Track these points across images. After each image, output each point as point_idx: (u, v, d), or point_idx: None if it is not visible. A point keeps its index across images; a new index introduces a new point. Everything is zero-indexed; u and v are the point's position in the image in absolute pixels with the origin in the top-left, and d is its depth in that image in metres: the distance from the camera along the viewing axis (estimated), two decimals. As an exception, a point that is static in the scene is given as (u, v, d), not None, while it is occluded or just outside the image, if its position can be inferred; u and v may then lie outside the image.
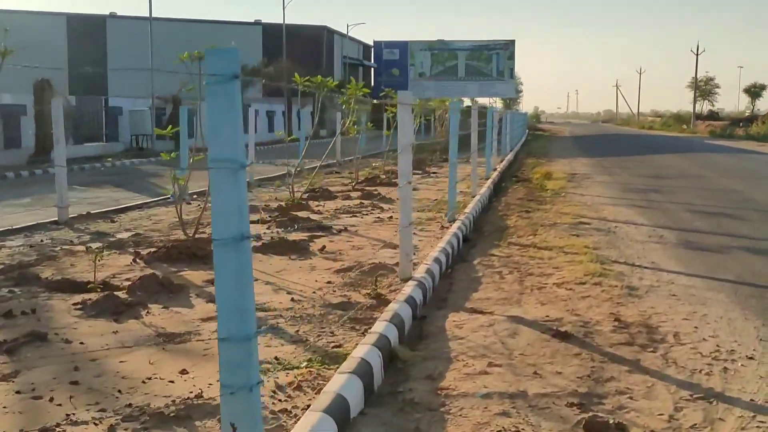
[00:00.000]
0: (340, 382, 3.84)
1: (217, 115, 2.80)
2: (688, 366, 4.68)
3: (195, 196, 13.79)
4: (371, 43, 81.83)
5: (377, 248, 8.40)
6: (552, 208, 12.71)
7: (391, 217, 11.05)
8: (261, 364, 4.40)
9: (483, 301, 6.24)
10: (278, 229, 9.41)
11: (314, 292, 6.29)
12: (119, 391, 3.98)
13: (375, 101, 9.26)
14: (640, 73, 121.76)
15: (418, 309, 5.86)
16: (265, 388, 3.97)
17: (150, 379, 4.18)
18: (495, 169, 19.65)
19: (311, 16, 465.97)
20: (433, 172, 20.40)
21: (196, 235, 8.53)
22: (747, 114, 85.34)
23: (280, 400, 3.88)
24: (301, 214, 10.93)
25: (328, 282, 6.69)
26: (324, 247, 8.27)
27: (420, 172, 20.55)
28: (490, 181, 16.33)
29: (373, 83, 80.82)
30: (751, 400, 4.14)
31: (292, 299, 6.03)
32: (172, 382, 4.16)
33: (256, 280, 6.68)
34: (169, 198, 13.01)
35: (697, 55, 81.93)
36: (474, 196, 13.16)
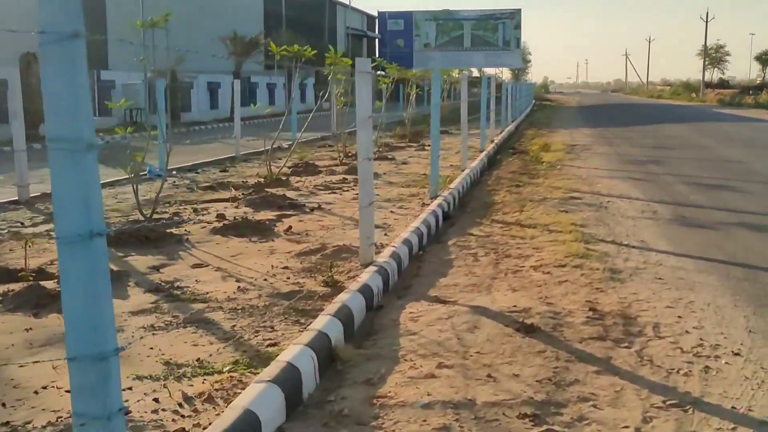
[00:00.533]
0: (253, 393, 3.32)
1: (53, 82, 2.27)
2: (665, 365, 4.15)
3: (174, 172, 13.27)
4: (376, 14, 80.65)
5: (348, 228, 7.87)
6: (545, 182, 12.14)
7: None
8: (180, 367, 3.91)
9: (449, 288, 5.71)
10: (247, 208, 8.89)
11: (265, 279, 5.77)
12: (2, 405, 3.47)
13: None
14: (650, 42, 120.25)
15: (377, 298, 5.34)
16: (170, 401, 3.47)
17: (45, 389, 3.67)
18: (492, 141, 19.06)
19: None
20: (429, 145, 19.77)
21: (155, 216, 8.01)
22: (758, 82, 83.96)
23: (183, 417, 3.36)
24: (278, 190, 10.40)
25: (285, 267, 6.17)
26: (290, 227, 7.74)
27: (415, 144, 19.97)
28: (484, 153, 15.73)
29: (377, 54, 79.89)
30: (733, 407, 3.62)
31: (239, 287, 5.51)
32: (69, 392, 3.65)
33: (207, 265, 6.19)
34: (145, 175, 12.52)
35: (706, 22, 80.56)
36: (463, 170, 12.59)
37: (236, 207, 9.00)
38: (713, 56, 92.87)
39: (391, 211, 8.97)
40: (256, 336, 4.49)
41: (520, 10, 79.10)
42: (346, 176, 12.34)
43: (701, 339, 4.57)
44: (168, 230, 7.34)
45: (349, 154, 16.84)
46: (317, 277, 5.81)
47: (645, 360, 4.22)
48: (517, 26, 79.08)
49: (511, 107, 31.55)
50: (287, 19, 58.47)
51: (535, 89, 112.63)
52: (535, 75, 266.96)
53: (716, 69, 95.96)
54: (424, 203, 9.46)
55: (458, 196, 10.36)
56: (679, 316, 5.02)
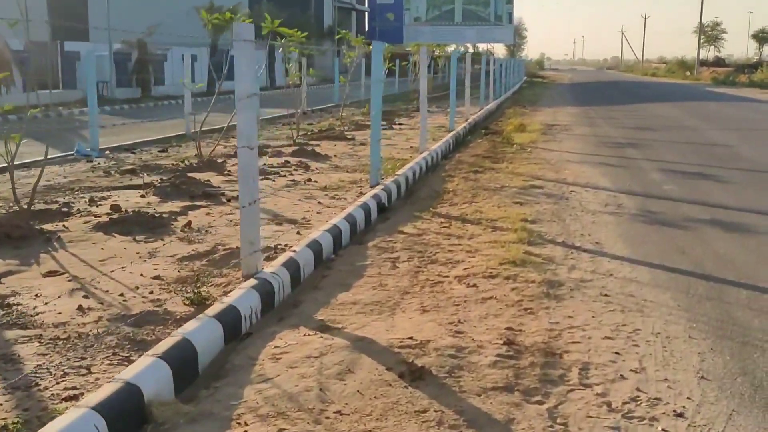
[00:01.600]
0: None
1: None
2: (582, 432, 3.13)
3: (108, 152, 12.18)
4: (365, -14, 78.95)
5: (261, 223, 6.79)
6: (508, 167, 11.09)
7: (310, 179, 9.43)
8: None
9: (345, 308, 4.67)
10: (153, 198, 7.82)
11: (121, 294, 4.72)
12: None
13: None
14: (645, 18, 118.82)
15: (248, 322, 4.30)
16: None
17: None
18: (467, 120, 17.97)
19: None
20: (401, 124, 18.67)
21: (39, 208, 6.94)
22: (755, 60, 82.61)
23: None
24: (203, 175, 9.33)
25: (156, 277, 5.11)
26: (189, 223, 6.67)
27: (385, 123, 18.81)
28: (451, 134, 14.64)
29: (367, 28, 78.31)
30: None
31: (80, 306, 4.46)
32: None
33: (63, 273, 5.14)
34: (73, 154, 11.45)
35: (702, -1, 79.10)
36: (421, 153, 11.53)
37: (143, 196, 7.92)
38: (709, 34, 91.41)
39: (319, 202, 7.91)
40: (59, 382, 3.45)
41: (513, -17, 77.46)
42: (291, 158, 11.25)
43: (638, 390, 3.55)
44: (40, 226, 6.26)
45: (314, 132, 15.77)
46: (190, 290, 4.76)
47: (557, 425, 3.19)
48: (509, 1, 77.47)
49: (497, 84, 30.43)
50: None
51: (530, 65, 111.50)
52: (531, 51, 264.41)
53: (712, 47, 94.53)
54: (361, 192, 8.40)
55: (406, 183, 9.31)
56: (617, 353, 3.99)
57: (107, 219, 6.56)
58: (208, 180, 8.99)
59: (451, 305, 4.76)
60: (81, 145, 11.67)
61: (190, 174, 9.20)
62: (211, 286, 4.90)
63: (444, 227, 7.04)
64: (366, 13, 78.85)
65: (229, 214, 7.20)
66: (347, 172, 10.23)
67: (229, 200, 7.85)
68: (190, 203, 7.61)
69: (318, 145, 13.17)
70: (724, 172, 10.83)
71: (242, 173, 4.81)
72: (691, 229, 7.12)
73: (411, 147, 12.83)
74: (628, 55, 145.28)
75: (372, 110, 9.03)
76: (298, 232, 6.44)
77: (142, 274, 5.16)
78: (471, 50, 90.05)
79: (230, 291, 4.62)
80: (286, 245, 5.86)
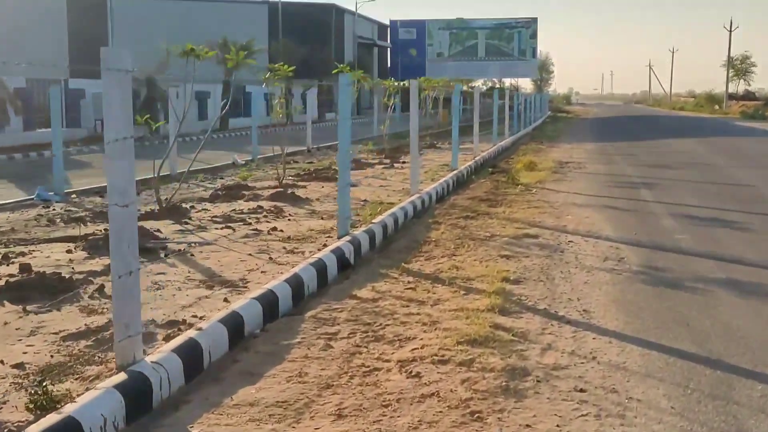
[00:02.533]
0: None
1: None
2: None
3: (73, 195, 11.33)
4: (387, 23, 78.76)
5: (189, 287, 5.80)
6: (505, 211, 10.05)
7: (275, 228, 8.43)
8: None
9: (236, 413, 3.65)
10: (82, 253, 6.86)
11: (-44, 394, 3.72)
12: None
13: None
14: (673, 53, 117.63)
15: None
16: None
17: None
18: (475, 158, 16.99)
19: None
20: (404, 162, 17.68)
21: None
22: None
23: None
24: (159, 224, 8.38)
25: (18, 365, 4.11)
26: (102, 287, 5.67)
27: (388, 161, 17.84)
28: (452, 174, 13.64)
29: (389, 64, 77.95)
30: None
31: None
32: None
33: None
34: (32, 199, 10.60)
35: (730, 31, 77.83)
36: (411, 196, 10.53)
37: (69, 251, 6.96)
38: (738, 67, 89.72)
39: (270, 257, 6.89)
40: None
41: (536, 18, 76.96)
42: (267, 203, 10.28)
43: None
44: None
45: (307, 173, 14.86)
46: (56, 385, 3.74)
47: None
48: (534, 35, 76.84)
49: (515, 119, 29.45)
50: (293, 26, 56.73)
51: (556, 100, 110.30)
52: (559, 86, 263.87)
53: (742, 80, 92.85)
54: (325, 244, 7.37)
55: (383, 232, 8.28)
56: (577, 492, 2.90)
57: (3, 282, 5.59)
58: (158, 230, 8.04)
59: (378, 407, 3.72)
60: (42, 188, 10.80)
61: (141, 222, 8.24)
62: (77, 379, 3.89)
63: (408, 289, 5.99)
64: (388, 49, 78.50)
65: (159, 274, 6.21)
66: (322, 218, 9.24)
67: (166, 256, 6.87)
68: (120, 260, 6.62)
69: (304, 187, 12.25)
70: (745, 217, 9.69)
71: (114, 238, 3.82)
72: (701, 292, 6.00)
73: (404, 189, 11.83)
74: (656, 89, 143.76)
75: (339, 152, 8.04)
76: (225, 299, 5.42)
77: (2, 361, 4.17)
78: (498, 85, 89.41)
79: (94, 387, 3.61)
80: (200, 318, 4.85)
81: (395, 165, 16.79)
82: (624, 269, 6.79)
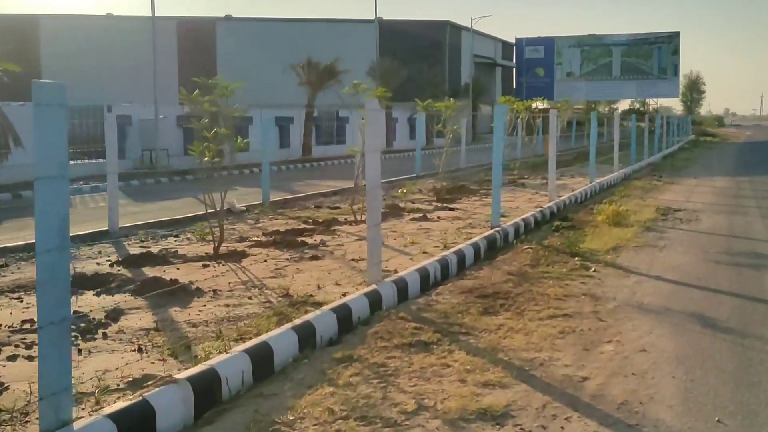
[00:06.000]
0: None
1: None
2: None
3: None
4: (512, 41, 74.00)
5: None
6: (501, 330, 5.67)
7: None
8: None
9: None
10: None
11: None
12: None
13: None
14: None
15: None
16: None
17: None
18: (549, 202, 12.59)
19: (448, 13, 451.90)
20: (453, 209, 13.42)
21: None
22: None
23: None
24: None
25: None
26: None
27: (430, 208, 13.58)
28: (479, 238, 9.28)
29: (515, 85, 73.14)
30: None
31: None
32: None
33: None
34: None
35: None
36: (363, 288, 6.36)
37: None
38: None
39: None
40: None
41: (678, 33, 70.01)
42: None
43: None
44: None
45: (268, 234, 10.93)
46: None
47: None
48: (676, 51, 69.86)
49: (633, 147, 24.44)
50: (404, 45, 53.27)
51: (707, 122, 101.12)
52: (714, 106, 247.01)
53: None
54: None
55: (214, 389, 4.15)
56: None
57: None
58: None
59: None
60: None
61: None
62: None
63: None
64: (513, 69, 73.70)
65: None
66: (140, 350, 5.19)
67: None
68: None
69: (242, 257, 8.31)
70: None
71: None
72: None
73: (381, 263, 7.59)
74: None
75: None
76: None
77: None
78: (637, 107, 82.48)
79: None
80: None
81: (435, 214, 12.55)
82: None
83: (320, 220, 11.73)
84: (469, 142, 41.34)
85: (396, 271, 7.19)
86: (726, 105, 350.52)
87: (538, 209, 12.11)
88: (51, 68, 51.33)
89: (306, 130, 32.95)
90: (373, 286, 6.40)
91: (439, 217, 12.06)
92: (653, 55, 69.97)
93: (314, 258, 8.44)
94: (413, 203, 14.29)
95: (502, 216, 10.64)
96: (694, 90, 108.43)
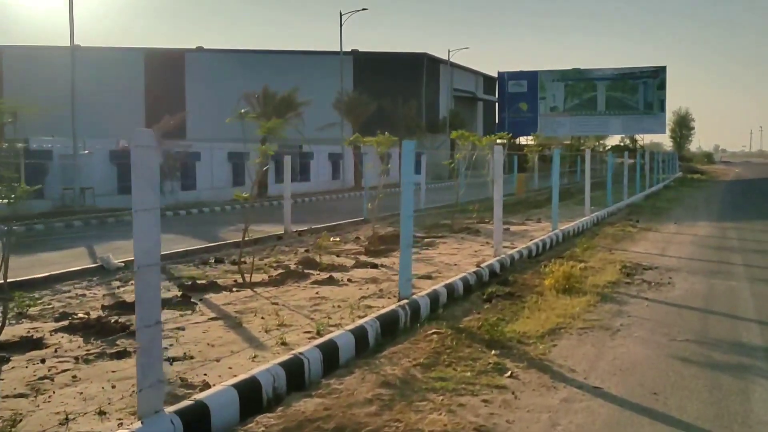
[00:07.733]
0: None
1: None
2: None
3: None
4: (495, 75, 72.20)
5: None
6: None
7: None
8: None
9: None
10: None
11: None
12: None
13: None
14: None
15: None
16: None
17: None
18: (495, 255, 10.30)
19: (427, 45, 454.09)
20: (381, 265, 11.09)
21: None
22: None
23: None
24: None
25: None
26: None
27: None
28: (370, 317, 6.94)
29: (497, 119, 71.23)
30: None
31: None
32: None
33: None
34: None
35: None
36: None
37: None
38: None
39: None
40: None
41: (664, 67, 68.27)
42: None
43: None
44: None
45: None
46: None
47: None
48: (662, 86, 68.04)
49: (609, 187, 22.26)
50: (380, 77, 51.34)
51: (696, 158, 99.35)
52: (704, 143, 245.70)
53: None
54: None
55: None
56: None
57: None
58: None
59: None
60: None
61: None
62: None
63: None
64: (496, 104, 71.85)
65: None
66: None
67: None
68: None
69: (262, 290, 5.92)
70: None
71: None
72: None
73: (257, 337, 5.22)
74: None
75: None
76: None
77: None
78: (627, 142, 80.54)
79: None
80: None
81: (350, 273, 10.20)
82: None
83: (200, 282, 9.39)
84: (445, 179, 39.31)
85: (200, 389, 4.82)
86: (716, 141, 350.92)
87: (474, 269, 9.79)
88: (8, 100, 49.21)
89: (260, 166, 30.63)
90: (138, 425, 4.04)
91: (350, 280, 9.69)
92: (639, 89, 68.16)
93: (117, 356, 6.04)
94: (338, 255, 11.98)
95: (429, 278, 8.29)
96: (684, 126, 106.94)
